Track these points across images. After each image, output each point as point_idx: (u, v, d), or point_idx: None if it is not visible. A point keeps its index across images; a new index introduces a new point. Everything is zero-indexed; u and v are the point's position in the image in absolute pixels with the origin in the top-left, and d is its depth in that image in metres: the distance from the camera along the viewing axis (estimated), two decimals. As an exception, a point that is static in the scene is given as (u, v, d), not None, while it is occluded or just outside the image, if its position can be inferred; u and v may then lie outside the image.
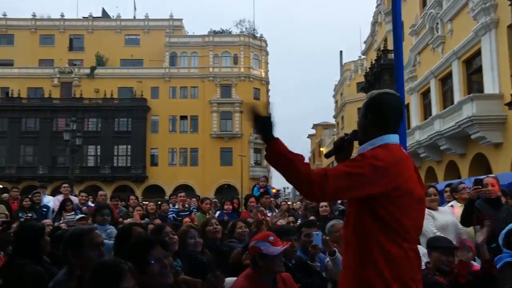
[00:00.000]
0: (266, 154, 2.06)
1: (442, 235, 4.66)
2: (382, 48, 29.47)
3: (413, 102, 25.45)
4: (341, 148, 2.41)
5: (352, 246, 2.09)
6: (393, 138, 2.20)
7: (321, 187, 1.94)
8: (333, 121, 58.11)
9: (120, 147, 42.66)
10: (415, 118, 25.04)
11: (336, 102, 53.79)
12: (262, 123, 2.06)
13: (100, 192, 9.05)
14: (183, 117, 44.10)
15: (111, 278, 1.89)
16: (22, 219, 7.44)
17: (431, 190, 4.83)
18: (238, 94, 44.22)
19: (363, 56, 41.50)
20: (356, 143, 2.39)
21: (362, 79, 38.11)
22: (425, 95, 24.33)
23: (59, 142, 40.18)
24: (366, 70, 36.35)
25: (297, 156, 2.02)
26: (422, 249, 3.78)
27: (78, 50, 47.02)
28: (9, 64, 45.46)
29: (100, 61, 45.33)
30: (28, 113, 42.50)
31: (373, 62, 30.71)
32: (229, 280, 3.09)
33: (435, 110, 21.74)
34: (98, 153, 42.48)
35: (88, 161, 42.36)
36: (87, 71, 44.71)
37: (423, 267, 3.54)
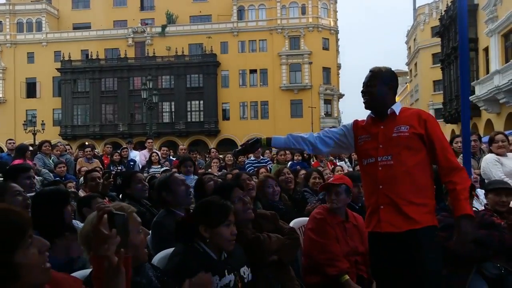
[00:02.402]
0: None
1: (511, 180, 4.77)
2: (459, -12, 27.59)
3: (493, 44, 23.98)
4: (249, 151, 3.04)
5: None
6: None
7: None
8: (405, 68, 55.94)
9: (193, 103, 43.98)
10: (494, 62, 23.66)
11: (409, 48, 51.49)
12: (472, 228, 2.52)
13: (181, 146, 9.81)
14: (253, 71, 44.43)
15: (221, 212, 2.36)
16: (113, 172, 8.29)
17: (499, 136, 4.88)
18: (307, 45, 43.65)
19: (438, -2, 39.15)
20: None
21: (437, 23, 36.08)
22: (507, 36, 22.82)
23: (136, 99, 42.23)
24: (441, 13, 34.39)
25: (456, 193, 2.60)
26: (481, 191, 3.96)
27: (149, 10, 48.18)
28: (87, 27, 47.68)
29: (170, 19, 46.29)
30: (106, 73, 44.61)
31: (449, 4, 28.97)
32: (302, 220, 3.51)
33: (517, 52, 20.43)
34: (173, 109, 44.05)
35: (164, 117, 44.11)
36: (159, 29, 45.87)
37: (482, 208, 3.73)
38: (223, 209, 2.37)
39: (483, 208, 3.70)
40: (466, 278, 3.13)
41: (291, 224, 3.45)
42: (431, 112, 42.87)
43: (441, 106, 35.55)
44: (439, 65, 34.26)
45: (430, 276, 2.51)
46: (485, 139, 6.63)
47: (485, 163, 4.87)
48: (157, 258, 2.38)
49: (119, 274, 1.41)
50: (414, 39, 47.67)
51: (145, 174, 7.47)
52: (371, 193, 2.73)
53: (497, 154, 4.74)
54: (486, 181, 4.57)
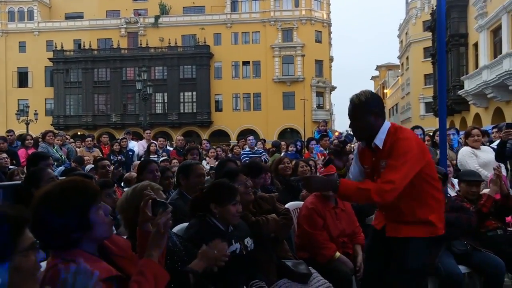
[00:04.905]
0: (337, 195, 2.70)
1: (484, 171, 5.25)
2: (449, -16, 28.00)
3: (482, 40, 24.48)
4: (341, 153, 2.85)
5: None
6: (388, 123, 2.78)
7: (392, 193, 2.52)
8: (397, 62, 56.47)
9: (185, 94, 44.18)
10: (483, 57, 24.18)
11: (401, 42, 52.01)
12: (319, 183, 2.68)
13: (178, 137, 10.22)
14: (246, 63, 44.70)
15: (230, 193, 2.78)
16: (113, 161, 8.66)
17: (475, 131, 5.37)
18: (300, 37, 43.96)
19: (430, -8, 39.57)
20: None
21: (428, 17, 36.55)
22: (496, 32, 23.31)
23: (129, 90, 42.40)
24: (433, 8, 34.82)
25: (362, 184, 2.62)
26: (455, 180, 4.43)
27: (142, 0, 48.16)
28: (79, 16, 47.57)
29: (164, 10, 46.32)
30: (99, 64, 44.59)
31: (440, -1, 29.35)
32: (296, 203, 3.97)
33: (506, 47, 20.92)
34: (165, 100, 44.20)
35: (157, 108, 44.26)
36: (152, 20, 45.90)
37: (454, 194, 4.20)
38: (232, 191, 2.81)
39: (455, 194, 4.18)
40: (437, 253, 3.59)
41: (287, 206, 3.92)
42: (422, 106, 43.57)
43: (431, 100, 36.13)
44: (430, 59, 34.77)
45: (407, 275, 2.67)
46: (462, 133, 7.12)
47: (462, 155, 5.37)
48: (175, 230, 2.79)
49: (163, 237, 1.89)
50: (406, 33, 48.15)
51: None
52: (378, 212, 2.99)
53: (472, 147, 5.21)
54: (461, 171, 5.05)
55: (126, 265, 1.84)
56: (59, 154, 8.27)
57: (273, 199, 3.60)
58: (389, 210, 2.77)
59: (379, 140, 2.69)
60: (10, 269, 1.32)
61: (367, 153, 2.81)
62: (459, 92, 26.73)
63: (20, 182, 3.93)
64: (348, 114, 2.76)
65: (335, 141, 2.98)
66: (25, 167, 5.45)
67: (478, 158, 5.21)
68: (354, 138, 2.95)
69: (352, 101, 2.73)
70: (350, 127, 2.81)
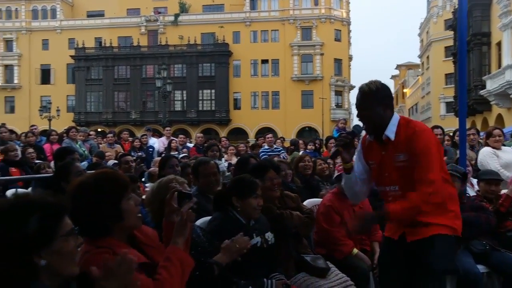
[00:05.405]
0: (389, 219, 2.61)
1: (506, 172, 5.23)
2: (472, -18, 27.57)
3: (506, 39, 24.10)
4: (349, 145, 2.68)
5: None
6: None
7: (436, 193, 2.45)
8: (417, 61, 55.87)
9: (204, 92, 44.42)
10: (507, 56, 23.81)
11: (422, 41, 51.42)
12: (371, 220, 2.71)
13: (198, 134, 10.33)
14: (264, 61, 44.74)
15: (251, 187, 2.88)
16: (134, 157, 8.82)
17: (496, 131, 5.35)
18: (319, 36, 43.82)
19: (452, -9, 39.08)
20: None
21: (450, 15, 36.12)
22: (520, 31, 22.95)
23: (148, 87, 42.84)
24: (455, 6, 34.37)
25: (408, 202, 2.47)
26: (474, 180, 4.44)
27: (162, -2, 48.61)
28: (100, 14, 48.21)
29: (183, 8, 46.65)
30: (119, 61, 45.10)
31: (462, -3, 28.95)
32: (314, 200, 4.04)
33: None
34: (184, 98, 44.54)
35: (175, 105, 44.60)
36: (171, 18, 46.25)
37: (474, 194, 4.21)
38: (252, 185, 2.91)
39: (474, 194, 4.19)
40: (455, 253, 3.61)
41: (305, 203, 4.00)
42: (442, 106, 43.04)
43: (452, 100, 35.68)
44: (452, 58, 34.34)
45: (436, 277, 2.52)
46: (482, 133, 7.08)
47: (482, 156, 5.35)
48: (198, 223, 2.88)
49: (186, 226, 1.98)
50: (427, 32, 47.61)
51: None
52: None
53: (493, 148, 5.20)
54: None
55: (154, 254, 1.93)
56: (82, 149, 8.46)
57: (298, 198, 3.70)
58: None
59: (391, 132, 2.56)
60: (52, 252, 1.44)
61: (375, 147, 2.67)
62: (481, 92, 26.37)
63: (51, 175, 4.07)
64: (356, 104, 2.65)
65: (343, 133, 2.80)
66: (51, 162, 5.61)
67: (499, 159, 5.19)
68: (363, 131, 2.77)
69: (362, 90, 2.61)
70: (358, 117, 2.66)
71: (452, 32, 34.42)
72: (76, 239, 1.53)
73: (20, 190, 4.32)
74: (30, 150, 6.47)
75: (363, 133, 2.72)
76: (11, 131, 9.22)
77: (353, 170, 2.70)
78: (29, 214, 1.42)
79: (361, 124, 2.69)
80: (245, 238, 2.49)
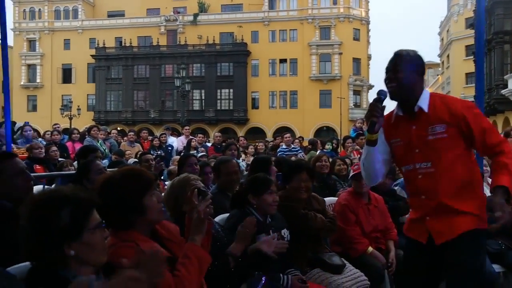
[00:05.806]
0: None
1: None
2: (494, -20, 27.22)
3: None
4: (382, 113, 2.47)
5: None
6: None
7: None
8: (437, 60, 55.23)
9: (223, 91, 44.64)
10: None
11: (442, 39, 50.83)
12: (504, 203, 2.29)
13: (216, 134, 10.44)
14: (283, 60, 44.76)
15: (265, 183, 3.01)
16: (154, 155, 8.98)
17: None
18: (338, 35, 43.65)
19: (473, -11, 38.48)
20: None
21: (471, 14, 35.64)
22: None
23: (167, 87, 43.19)
24: (475, 5, 33.89)
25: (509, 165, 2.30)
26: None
27: (182, -2, 48.97)
28: (121, 14, 48.82)
29: (202, 8, 46.94)
30: (139, 61, 45.64)
31: (484, -4, 28.58)
32: (330, 199, 4.12)
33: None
34: (203, 97, 44.82)
35: (194, 104, 44.91)
36: (190, 18, 46.58)
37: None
38: (266, 181, 3.04)
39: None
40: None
41: (322, 202, 4.05)
42: (462, 105, 42.43)
43: (473, 99, 35.12)
44: (472, 57, 33.88)
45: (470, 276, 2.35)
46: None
47: (501, 156, 5.29)
48: (217, 220, 2.99)
49: (204, 223, 2.07)
50: (447, 31, 47.04)
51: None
52: (414, 200, 2.56)
53: None
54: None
55: (175, 248, 2.03)
56: (102, 148, 8.64)
57: (324, 202, 3.78)
58: (434, 205, 2.39)
59: (424, 103, 2.41)
60: (81, 244, 1.54)
61: (402, 123, 2.48)
62: (502, 91, 25.97)
63: (74, 172, 4.21)
64: (388, 67, 2.45)
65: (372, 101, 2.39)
66: (75, 160, 5.77)
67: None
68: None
69: (399, 52, 2.46)
70: (386, 81, 2.46)
71: (473, 31, 33.81)
72: (103, 231, 1.63)
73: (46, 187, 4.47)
74: (54, 148, 6.66)
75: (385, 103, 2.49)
76: (34, 130, 9.45)
77: (377, 143, 2.49)
78: (61, 207, 1.53)
79: (385, 88, 2.49)
80: (251, 218, 2.62)
